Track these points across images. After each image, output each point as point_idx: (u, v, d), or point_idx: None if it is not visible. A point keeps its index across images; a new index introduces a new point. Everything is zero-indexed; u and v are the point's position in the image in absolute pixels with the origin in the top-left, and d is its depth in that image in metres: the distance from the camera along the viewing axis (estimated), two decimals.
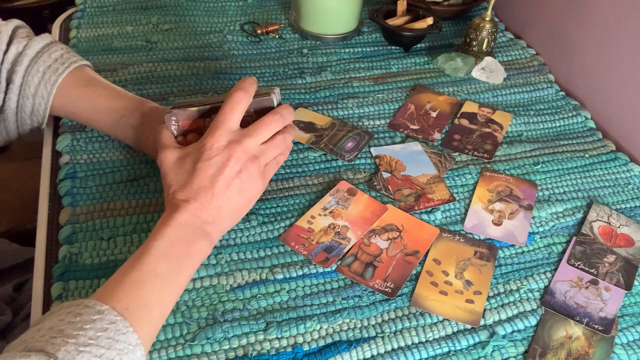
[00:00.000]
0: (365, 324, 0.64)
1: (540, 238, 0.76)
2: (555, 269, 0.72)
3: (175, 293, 0.57)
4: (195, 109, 0.66)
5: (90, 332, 0.47)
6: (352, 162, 0.83)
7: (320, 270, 0.69)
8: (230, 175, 0.60)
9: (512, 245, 0.74)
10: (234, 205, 0.62)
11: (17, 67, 0.73)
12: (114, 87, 0.77)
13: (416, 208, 0.77)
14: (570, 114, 0.95)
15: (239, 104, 0.62)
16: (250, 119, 0.65)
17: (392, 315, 0.65)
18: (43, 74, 0.74)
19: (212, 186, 0.59)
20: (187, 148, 0.63)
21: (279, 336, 0.62)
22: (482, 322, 0.65)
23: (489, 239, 0.75)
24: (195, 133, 0.68)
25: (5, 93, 0.74)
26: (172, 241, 0.57)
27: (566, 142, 0.90)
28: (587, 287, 0.70)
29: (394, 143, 0.87)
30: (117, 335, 0.48)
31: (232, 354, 0.60)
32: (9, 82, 0.74)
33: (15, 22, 0.78)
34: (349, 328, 0.64)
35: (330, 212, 0.75)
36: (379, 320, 0.65)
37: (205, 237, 0.60)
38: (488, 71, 1.01)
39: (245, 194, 0.62)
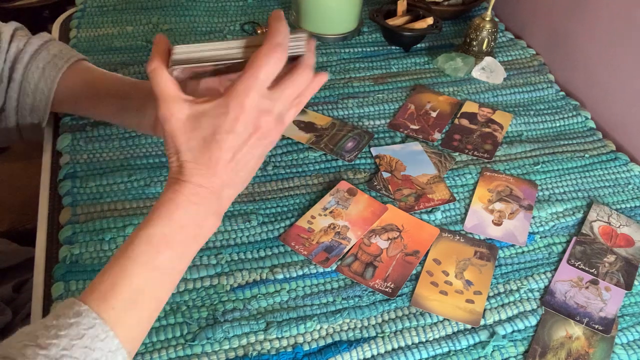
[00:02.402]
0: (366, 324, 0.64)
1: (540, 238, 0.76)
2: (555, 269, 0.72)
3: (174, 282, 0.52)
4: (209, 66, 0.54)
5: (65, 341, 0.43)
6: (352, 162, 0.83)
7: (321, 270, 0.69)
8: (255, 146, 0.51)
9: (512, 245, 0.74)
10: (251, 169, 0.54)
11: (18, 64, 0.74)
12: (114, 75, 0.76)
13: (416, 208, 0.77)
14: (570, 114, 0.95)
15: (275, 65, 0.50)
16: None
17: (392, 315, 0.65)
18: (43, 70, 0.74)
19: (233, 159, 0.51)
20: (202, 104, 0.50)
21: (279, 336, 0.62)
22: (482, 322, 0.65)
23: (489, 239, 0.75)
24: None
25: (6, 92, 0.74)
26: (180, 226, 0.50)
27: (566, 142, 0.90)
28: (587, 287, 0.70)
29: (394, 143, 0.87)
30: (94, 343, 0.44)
31: (232, 354, 0.60)
32: (9, 80, 0.74)
33: (14, 23, 0.78)
34: (349, 328, 0.64)
35: (331, 212, 0.75)
36: (379, 320, 0.65)
37: (217, 212, 0.52)
38: (488, 71, 1.01)
39: (263, 156, 0.54)
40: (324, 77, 0.54)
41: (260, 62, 0.49)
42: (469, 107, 0.94)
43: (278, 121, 0.51)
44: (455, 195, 0.80)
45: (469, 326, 0.65)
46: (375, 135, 0.88)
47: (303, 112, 0.90)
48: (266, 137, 0.51)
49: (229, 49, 0.53)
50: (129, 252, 0.49)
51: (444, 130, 0.90)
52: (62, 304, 0.47)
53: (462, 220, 0.77)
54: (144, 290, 0.48)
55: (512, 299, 0.68)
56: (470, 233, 0.75)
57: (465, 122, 0.92)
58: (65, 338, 0.44)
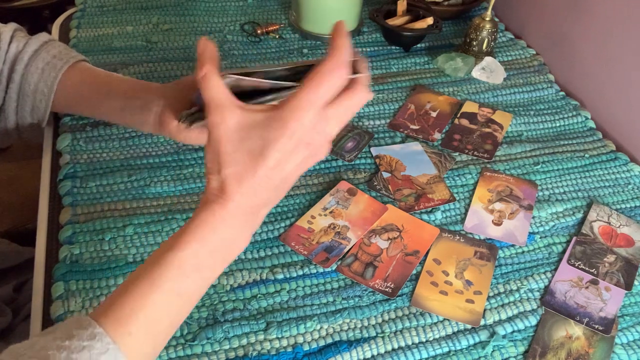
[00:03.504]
0: (366, 324, 0.64)
1: (540, 238, 0.76)
2: (555, 269, 0.72)
3: (193, 305, 0.50)
4: (265, 84, 0.51)
5: None
6: (352, 162, 0.83)
7: (321, 270, 0.69)
8: (302, 163, 0.49)
9: (512, 245, 0.74)
10: (290, 185, 0.51)
11: (17, 65, 0.74)
12: (115, 75, 0.76)
13: (416, 208, 0.77)
14: (570, 114, 0.95)
15: (337, 83, 0.47)
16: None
17: (392, 315, 0.65)
18: (42, 71, 0.74)
19: (278, 176, 0.48)
20: (255, 113, 0.47)
21: (279, 336, 0.62)
22: (482, 322, 0.65)
23: (489, 239, 0.75)
24: None
25: (6, 92, 0.74)
26: (212, 249, 0.48)
27: (566, 142, 0.90)
28: (587, 287, 0.70)
29: (394, 143, 0.87)
30: None
31: (232, 354, 0.60)
32: (9, 81, 0.74)
33: (14, 25, 0.78)
34: (349, 328, 0.64)
35: (331, 212, 0.75)
36: (379, 320, 0.65)
37: (250, 233, 0.50)
38: (488, 71, 1.01)
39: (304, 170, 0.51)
40: (370, 95, 0.51)
41: (322, 79, 0.46)
42: (469, 107, 0.94)
43: (328, 139, 0.49)
44: (455, 195, 0.80)
45: (469, 326, 0.65)
46: (375, 135, 0.88)
47: None
48: (314, 155, 0.49)
49: (280, 77, 0.52)
50: (154, 275, 0.46)
51: (444, 130, 0.90)
52: (77, 321, 0.45)
53: (462, 220, 0.77)
54: (164, 317, 0.47)
55: (512, 299, 0.68)
56: (470, 233, 0.75)
57: (465, 122, 0.92)
58: None
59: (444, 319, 0.65)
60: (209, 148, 0.48)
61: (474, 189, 0.81)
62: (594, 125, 0.94)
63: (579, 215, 0.79)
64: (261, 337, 0.62)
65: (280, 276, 0.68)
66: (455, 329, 0.65)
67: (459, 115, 0.93)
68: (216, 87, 0.47)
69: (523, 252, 0.74)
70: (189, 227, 0.48)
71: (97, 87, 0.75)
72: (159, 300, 0.46)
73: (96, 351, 0.43)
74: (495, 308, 0.67)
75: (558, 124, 0.94)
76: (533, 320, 0.66)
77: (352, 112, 0.50)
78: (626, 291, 0.70)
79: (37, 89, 0.74)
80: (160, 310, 0.46)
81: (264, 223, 0.73)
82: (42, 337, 0.44)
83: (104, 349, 0.43)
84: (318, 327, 0.64)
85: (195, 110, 0.61)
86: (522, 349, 0.64)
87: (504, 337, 0.64)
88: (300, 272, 0.69)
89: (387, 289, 0.68)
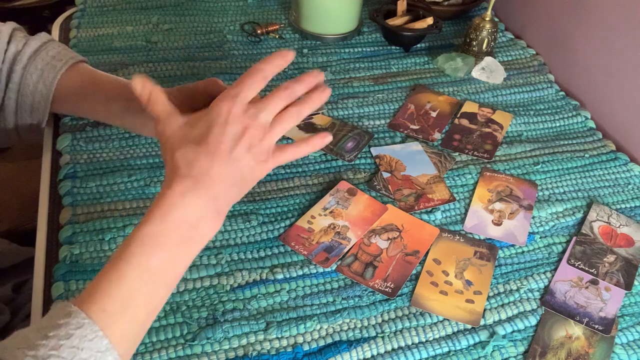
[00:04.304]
0: (365, 324, 0.64)
1: (540, 238, 0.76)
2: (555, 269, 0.72)
3: (169, 285, 0.51)
4: None
5: (53, 341, 0.44)
6: (352, 162, 0.83)
7: (321, 270, 0.69)
8: (246, 148, 0.54)
9: (512, 245, 0.74)
10: (246, 174, 0.55)
11: (16, 66, 0.74)
12: (115, 77, 0.76)
13: (416, 208, 0.77)
14: (570, 114, 0.95)
15: (259, 82, 0.55)
16: None
17: (392, 315, 0.65)
18: (41, 71, 0.74)
19: (228, 153, 0.52)
20: (195, 114, 0.55)
21: (279, 336, 0.62)
22: (482, 322, 0.65)
23: (489, 239, 0.75)
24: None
25: (5, 92, 0.74)
26: (174, 225, 0.50)
27: (566, 142, 0.90)
28: (587, 287, 0.70)
29: (394, 143, 0.87)
30: (82, 342, 0.44)
31: (232, 354, 0.60)
32: (8, 81, 0.74)
33: (12, 24, 0.78)
34: (349, 328, 0.64)
35: (331, 212, 0.75)
36: (379, 320, 0.65)
37: (213, 213, 0.52)
38: (488, 71, 1.01)
39: (257, 165, 0.56)
40: (325, 93, 0.58)
41: (243, 77, 0.55)
42: (469, 107, 0.94)
43: (265, 128, 0.55)
44: (455, 195, 0.80)
45: (469, 326, 0.65)
46: (375, 135, 0.88)
47: None
48: (258, 139, 0.54)
49: None
50: (123, 254, 0.49)
51: (444, 130, 0.90)
52: (56, 306, 0.48)
53: (462, 220, 0.77)
54: (137, 293, 0.48)
55: (512, 299, 0.68)
56: (470, 233, 0.75)
57: (465, 122, 0.92)
58: (53, 339, 0.44)
59: (444, 319, 0.65)
60: (164, 144, 0.54)
61: (474, 189, 0.81)
62: (594, 125, 0.94)
63: (579, 215, 0.79)
64: (261, 337, 0.62)
65: (280, 276, 0.68)
66: (455, 329, 0.65)
67: (459, 115, 0.93)
68: (162, 102, 0.55)
69: (523, 252, 0.74)
70: (151, 206, 0.51)
71: (96, 89, 0.75)
72: (128, 276, 0.48)
73: (72, 327, 0.45)
74: (495, 308, 0.67)
75: (558, 124, 0.94)
76: (533, 320, 0.66)
77: (295, 104, 0.57)
78: (626, 291, 0.70)
79: (36, 90, 0.74)
80: (132, 286, 0.48)
81: (264, 223, 0.73)
82: (26, 328, 0.46)
83: (79, 324, 0.45)
84: (318, 327, 0.64)
85: None
86: (522, 349, 0.64)
87: (504, 337, 0.64)
88: (300, 272, 0.69)
89: (387, 289, 0.68)
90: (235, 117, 0.53)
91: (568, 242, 0.75)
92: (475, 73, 1.01)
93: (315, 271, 0.69)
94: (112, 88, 0.74)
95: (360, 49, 1.05)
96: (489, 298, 0.68)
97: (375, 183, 0.80)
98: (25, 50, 0.74)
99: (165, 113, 0.55)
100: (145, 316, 0.50)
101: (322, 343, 0.62)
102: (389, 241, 0.73)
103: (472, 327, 0.65)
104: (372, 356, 0.62)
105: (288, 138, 0.85)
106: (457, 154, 0.86)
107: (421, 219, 0.76)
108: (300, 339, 0.62)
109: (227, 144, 0.52)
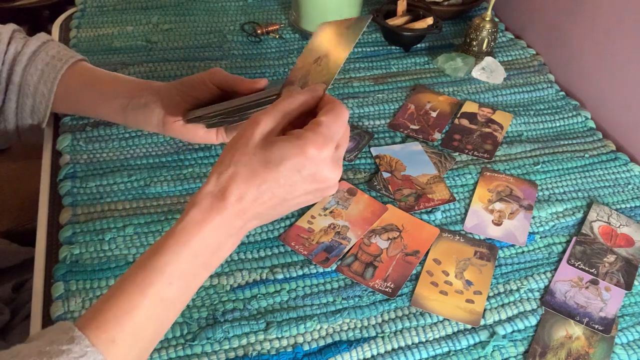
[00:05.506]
0: (366, 324, 0.64)
1: (540, 238, 0.76)
2: (555, 269, 0.72)
3: (178, 312, 0.49)
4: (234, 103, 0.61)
5: None
6: (352, 162, 0.83)
7: (321, 270, 0.69)
8: (309, 196, 0.50)
9: (512, 245, 0.74)
10: (291, 210, 0.52)
11: (16, 66, 0.74)
12: (115, 74, 0.76)
13: (416, 208, 0.77)
14: (570, 114, 0.95)
15: (345, 125, 0.50)
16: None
17: (392, 315, 0.65)
18: (42, 72, 0.74)
19: (282, 196, 0.49)
20: (281, 136, 0.49)
21: (279, 336, 0.62)
22: (482, 322, 0.65)
23: (489, 239, 0.75)
24: None
25: (5, 93, 0.74)
26: (194, 254, 0.47)
27: (566, 142, 0.90)
28: (587, 287, 0.70)
29: (394, 143, 0.87)
30: None
31: (232, 354, 0.60)
32: (8, 82, 0.74)
33: (12, 25, 0.78)
34: (349, 328, 0.64)
35: (331, 212, 0.75)
36: (379, 320, 0.65)
37: (234, 241, 0.50)
38: (488, 71, 1.01)
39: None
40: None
41: (341, 113, 0.49)
42: (469, 107, 0.94)
43: (336, 180, 0.50)
44: (455, 195, 0.80)
45: (469, 326, 0.65)
46: (375, 135, 0.88)
47: None
48: (322, 191, 0.50)
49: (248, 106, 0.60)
50: (137, 280, 0.46)
51: (444, 130, 0.90)
52: (59, 326, 0.45)
53: (462, 220, 0.77)
54: (148, 323, 0.46)
55: (512, 299, 0.68)
56: (470, 233, 0.75)
57: (465, 122, 0.92)
58: None
59: (444, 319, 0.65)
60: (229, 145, 0.49)
61: (474, 189, 0.81)
62: (594, 125, 0.94)
63: (579, 215, 0.79)
64: (261, 337, 0.62)
65: (280, 276, 0.68)
66: (455, 329, 0.65)
67: (459, 115, 0.93)
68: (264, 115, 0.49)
69: (523, 252, 0.74)
70: (174, 230, 0.47)
71: (97, 87, 0.75)
72: (141, 306, 0.45)
73: (74, 355, 0.42)
74: (495, 308, 0.67)
75: (558, 124, 0.94)
76: (533, 320, 0.66)
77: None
78: (626, 291, 0.70)
79: (37, 90, 0.74)
80: (144, 316, 0.45)
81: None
82: (26, 345, 0.44)
83: (82, 352, 0.42)
84: (318, 327, 0.64)
85: (209, 111, 0.63)
86: (522, 349, 0.64)
87: (504, 337, 0.64)
88: (300, 272, 0.69)
89: (387, 289, 0.68)
90: (317, 166, 0.48)
91: (568, 242, 0.75)
92: (475, 73, 1.01)
93: (315, 271, 0.69)
94: (114, 85, 0.74)
95: (360, 49, 1.05)
96: (489, 298, 0.68)
97: (376, 183, 0.80)
98: (24, 50, 0.74)
99: (261, 118, 0.49)
100: (150, 344, 0.48)
101: (322, 343, 0.62)
102: (389, 241, 0.73)
103: (472, 327, 0.65)
104: (372, 356, 0.62)
105: None
106: (457, 154, 0.86)
107: (421, 219, 0.76)
108: (300, 339, 0.62)
109: (291, 191, 0.49)
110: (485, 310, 0.67)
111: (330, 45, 0.56)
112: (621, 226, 0.77)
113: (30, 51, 0.75)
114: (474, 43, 1.02)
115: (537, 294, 0.69)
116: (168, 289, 0.46)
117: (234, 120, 0.63)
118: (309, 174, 0.48)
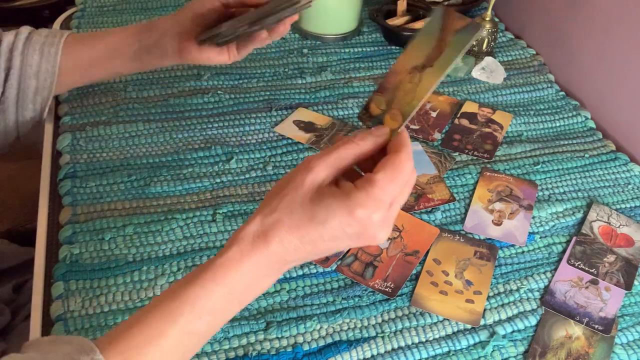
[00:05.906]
0: (365, 323, 0.64)
1: (540, 238, 0.75)
2: (555, 269, 0.72)
3: (204, 342, 0.48)
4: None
5: None
6: None
7: (321, 270, 0.69)
8: (352, 244, 0.48)
9: (512, 245, 0.74)
10: (326, 255, 0.52)
11: (14, 52, 0.74)
12: (111, 29, 0.77)
13: (416, 208, 0.77)
14: (570, 114, 0.95)
15: (405, 182, 0.47)
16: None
17: (392, 315, 0.65)
18: (40, 51, 0.75)
19: (322, 249, 0.47)
20: (332, 188, 0.47)
21: (279, 336, 0.62)
22: (482, 322, 0.65)
23: (489, 239, 0.75)
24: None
25: (5, 84, 0.74)
26: (229, 291, 0.46)
27: (566, 142, 0.90)
28: (587, 287, 0.70)
29: None
30: None
31: (232, 354, 0.60)
32: (8, 70, 0.74)
33: None
34: (349, 328, 0.64)
35: None
36: (379, 320, 0.65)
37: (270, 280, 0.48)
38: (488, 71, 1.01)
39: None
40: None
41: (398, 172, 0.46)
42: (469, 107, 0.94)
43: (381, 240, 0.48)
44: (455, 195, 0.80)
45: (469, 326, 0.65)
46: None
47: (303, 112, 0.90)
48: (361, 244, 0.49)
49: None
50: (167, 310, 0.44)
51: (444, 130, 0.90)
52: (80, 344, 0.43)
53: (462, 220, 0.77)
54: (173, 354, 0.45)
55: (512, 299, 0.68)
56: (470, 233, 0.75)
57: (465, 122, 0.92)
58: None
59: (444, 319, 0.65)
60: (278, 184, 0.47)
61: (474, 189, 0.81)
62: (594, 125, 0.94)
63: (579, 215, 0.79)
64: (261, 337, 0.62)
65: (280, 276, 0.68)
66: (455, 329, 0.65)
67: (459, 115, 0.93)
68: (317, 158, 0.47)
69: (523, 252, 0.74)
70: (212, 265, 0.46)
71: (102, 44, 0.76)
72: (170, 336, 0.44)
73: None
74: (495, 308, 0.67)
75: (558, 124, 0.94)
76: (533, 320, 0.66)
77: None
78: (626, 291, 0.70)
79: (40, 69, 0.75)
80: (170, 346, 0.44)
81: None
82: (42, 357, 0.42)
83: None
84: (318, 327, 0.64)
85: (219, 32, 0.66)
86: (522, 349, 0.64)
87: (503, 337, 0.64)
88: (300, 272, 0.69)
89: (387, 289, 0.68)
90: (364, 228, 0.46)
91: (568, 242, 0.75)
92: (475, 73, 1.01)
93: (315, 271, 0.69)
94: (117, 37, 0.75)
95: (360, 49, 1.05)
96: (489, 298, 0.68)
97: None
98: (18, 38, 0.75)
99: (315, 161, 0.47)
100: None
101: (322, 343, 0.62)
102: (389, 241, 0.73)
103: (472, 327, 0.65)
104: (372, 356, 0.62)
105: (289, 138, 0.85)
106: (457, 154, 0.86)
107: (421, 219, 0.76)
108: (300, 339, 0.62)
109: (332, 246, 0.47)
110: (485, 310, 0.67)
111: (433, 52, 0.49)
112: (621, 226, 0.77)
113: (23, 37, 0.76)
114: (474, 43, 1.02)
115: (537, 294, 0.69)
116: (198, 323, 0.45)
117: (253, 31, 0.67)
118: (355, 232, 0.46)
